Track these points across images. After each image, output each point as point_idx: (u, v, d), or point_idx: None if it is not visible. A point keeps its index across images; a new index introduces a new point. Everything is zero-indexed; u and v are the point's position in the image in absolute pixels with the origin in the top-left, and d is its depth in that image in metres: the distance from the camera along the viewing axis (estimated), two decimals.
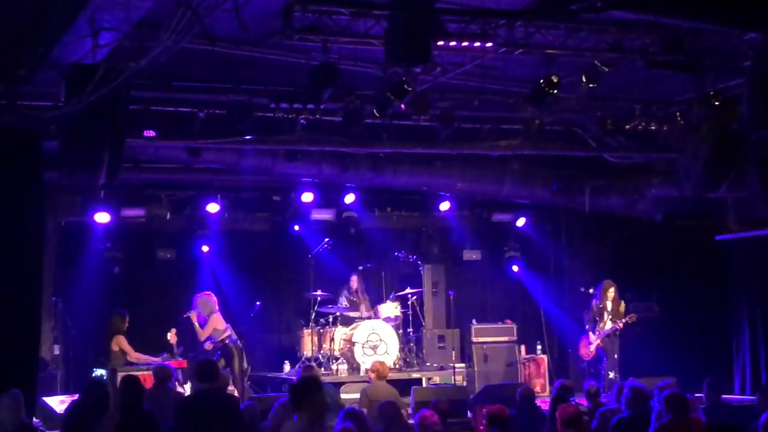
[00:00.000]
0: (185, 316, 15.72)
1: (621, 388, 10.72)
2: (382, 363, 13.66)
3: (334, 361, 16.93)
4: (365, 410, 11.79)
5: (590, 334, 16.68)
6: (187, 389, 14.65)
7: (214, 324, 15.73)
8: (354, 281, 18.02)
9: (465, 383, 17.11)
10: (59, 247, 16.79)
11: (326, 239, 17.88)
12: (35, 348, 12.16)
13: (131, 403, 9.46)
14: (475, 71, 13.76)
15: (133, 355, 15.05)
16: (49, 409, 13.26)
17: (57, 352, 16.49)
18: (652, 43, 12.24)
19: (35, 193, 11.83)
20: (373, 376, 13.09)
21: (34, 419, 11.00)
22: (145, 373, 12.97)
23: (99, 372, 14.67)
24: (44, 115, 11.76)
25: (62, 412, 11.90)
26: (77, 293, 16.85)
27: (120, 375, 12.96)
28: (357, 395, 14.25)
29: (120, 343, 15.06)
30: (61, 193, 16.09)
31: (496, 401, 9.95)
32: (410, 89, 13.03)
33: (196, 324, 15.68)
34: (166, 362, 13.94)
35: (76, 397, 11.46)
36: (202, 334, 15.67)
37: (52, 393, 14.52)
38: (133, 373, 12.12)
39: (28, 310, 11.62)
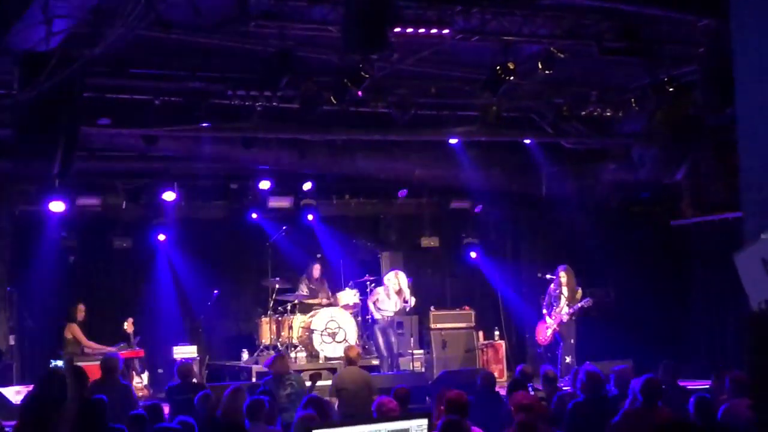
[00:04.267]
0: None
1: (577, 372, 10.81)
2: (350, 347, 13.71)
3: (292, 349, 16.91)
4: (334, 396, 11.87)
5: (547, 319, 16.78)
6: (144, 379, 14.60)
7: None
8: (316, 269, 18.00)
9: (423, 369, 17.17)
10: (13, 237, 16.62)
11: (284, 227, 17.84)
12: None
13: (80, 393, 9.42)
14: (432, 58, 13.77)
15: (86, 344, 14.96)
16: (5, 400, 13.15)
17: (12, 342, 16.33)
18: (607, 30, 12.32)
19: None
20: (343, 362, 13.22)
21: None
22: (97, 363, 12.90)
23: (57, 363, 14.57)
24: None
25: (19, 402, 11.80)
26: (32, 283, 16.67)
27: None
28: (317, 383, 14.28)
29: (73, 331, 14.98)
30: (15, 182, 15.93)
31: (455, 387, 9.97)
32: (367, 76, 13.03)
33: None
34: (119, 352, 13.87)
35: (31, 387, 11.38)
36: None
37: (7, 384, 14.41)
38: (83, 363, 12.07)
39: None
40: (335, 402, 11.78)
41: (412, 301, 16.89)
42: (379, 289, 16.88)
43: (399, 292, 16.66)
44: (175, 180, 17.28)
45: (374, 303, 16.71)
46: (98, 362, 12.75)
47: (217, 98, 14.04)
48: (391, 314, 16.68)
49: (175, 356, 15.44)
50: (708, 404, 8.97)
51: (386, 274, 17.04)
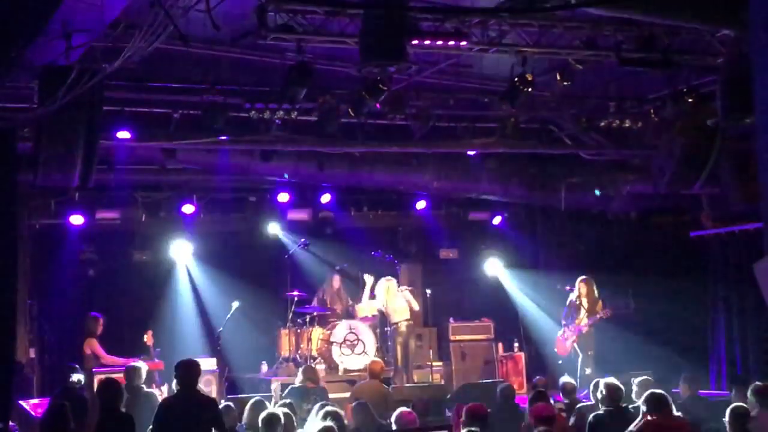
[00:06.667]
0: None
1: (597, 384, 10.78)
2: (374, 361, 13.76)
3: (311, 361, 16.86)
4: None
5: (566, 330, 16.71)
6: (164, 391, 14.60)
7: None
8: (336, 280, 18.05)
9: (443, 381, 17.13)
10: (34, 250, 16.68)
11: (302, 239, 17.84)
12: (11, 351, 12.08)
13: (107, 405, 9.44)
14: (450, 70, 13.78)
15: (106, 359, 14.99)
16: (26, 413, 13.19)
17: (32, 355, 16.38)
18: (625, 41, 12.30)
19: (9, 195, 11.73)
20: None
21: (11, 423, 10.95)
22: (121, 375, 12.92)
23: (76, 377, 14.59)
24: (18, 116, 11.69)
25: (39, 415, 11.84)
26: (52, 296, 16.74)
27: (96, 378, 12.93)
28: (336, 395, 14.30)
29: (92, 346, 14.99)
30: (35, 196, 16.00)
31: (475, 399, 9.98)
32: (385, 88, 13.05)
33: None
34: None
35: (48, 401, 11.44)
36: None
37: (27, 396, 14.43)
38: (112, 374, 12.10)
39: (3, 313, 11.53)
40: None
41: (411, 301, 17.08)
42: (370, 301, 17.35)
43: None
44: (194, 193, 17.33)
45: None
46: (120, 375, 12.82)
47: (236, 111, 14.06)
48: (398, 320, 16.84)
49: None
50: (744, 415, 8.93)
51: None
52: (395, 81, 13.72)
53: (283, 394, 13.03)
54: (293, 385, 12.93)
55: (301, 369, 13.24)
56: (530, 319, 19.26)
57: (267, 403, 10.45)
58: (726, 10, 10.73)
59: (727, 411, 8.99)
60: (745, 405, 9.35)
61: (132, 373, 12.06)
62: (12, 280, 11.74)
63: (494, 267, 19.48)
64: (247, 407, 10.15)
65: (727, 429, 8.82)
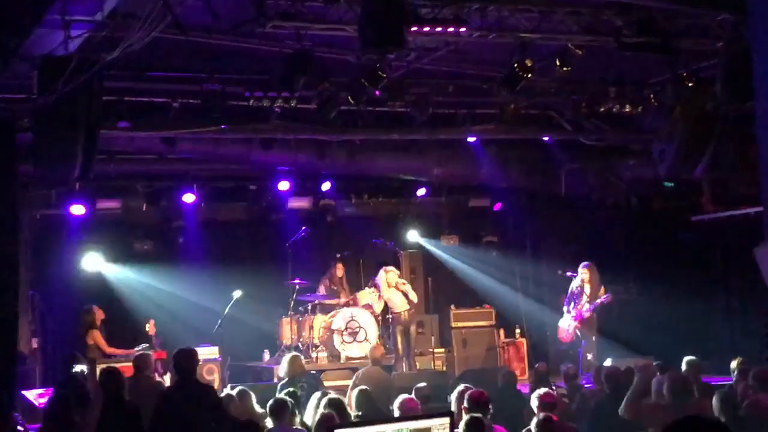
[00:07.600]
0: None
1: (599, 369, 10.79)
2: (376, 347, 13.79)
3: (313, 349, 16.93)
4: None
5: (568, 316, 16.72)
6: (166, 380, 14.63)
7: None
8: (339, 269, 18.07)
9: (445, 368, 17.15)
10: (35, 240, 16.68)
11: (303, 227, 17.85)
12: (14, 341, 12.10)
13: (112, 395, 9.44)
14: (450, 56, 13.75)
15: (108, 350, 15.01)
16: (29, 403, 13.21)
17: (35, 345, 16.40)
18: (625, 25, 12.26)
19: (10, 185, 11.75)
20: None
21: (14, 413, 10.95)
22: (125, 364, 12.92)
23: (79, 367, 14.60)
24: (18, 107, 11.68)
25: (42, 405, 11.86)
26: (54, 286, 16.75)
27: (99, 367, 12.94)
28: (337, 382, 14.32)
29: (94, 337, 15.02)
30: (36, 186, 15.98)
31: (476, 386, 9.97)
32: (385, 75, 13.03)
33: None
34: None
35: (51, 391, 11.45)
36: None
37: (30, 387, 14.46)
38: (113, 364, 12.10)
39: (5, 303, 11.55)
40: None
41: (409, 293, 17.02)
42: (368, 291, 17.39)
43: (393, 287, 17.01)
44: (195, 182, 17.34)
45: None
46: (125, 363, 12.82)
47: (235, 100, 14.04)
48: (400, 311, 16.82)
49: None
50: (731, 398, 8.95)
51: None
52: (394, 68, 13.70)
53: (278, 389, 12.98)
54: (282, 380, 12.89)
55: (285, 360, 13.10)
56: (531, 305, 19.27)
57: (250, 391, 10.47)
58: None
59: (714, 396, 8.99)
60: (728, 393, 9.35)
61: (142, 361, 12.07)
62: (14, 271, 11.75)
63: (495, 253, 19.49)
64: (235, 398, 10.16)
65: (715, 413, 8.81)
